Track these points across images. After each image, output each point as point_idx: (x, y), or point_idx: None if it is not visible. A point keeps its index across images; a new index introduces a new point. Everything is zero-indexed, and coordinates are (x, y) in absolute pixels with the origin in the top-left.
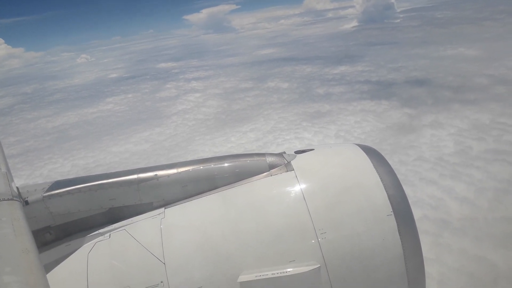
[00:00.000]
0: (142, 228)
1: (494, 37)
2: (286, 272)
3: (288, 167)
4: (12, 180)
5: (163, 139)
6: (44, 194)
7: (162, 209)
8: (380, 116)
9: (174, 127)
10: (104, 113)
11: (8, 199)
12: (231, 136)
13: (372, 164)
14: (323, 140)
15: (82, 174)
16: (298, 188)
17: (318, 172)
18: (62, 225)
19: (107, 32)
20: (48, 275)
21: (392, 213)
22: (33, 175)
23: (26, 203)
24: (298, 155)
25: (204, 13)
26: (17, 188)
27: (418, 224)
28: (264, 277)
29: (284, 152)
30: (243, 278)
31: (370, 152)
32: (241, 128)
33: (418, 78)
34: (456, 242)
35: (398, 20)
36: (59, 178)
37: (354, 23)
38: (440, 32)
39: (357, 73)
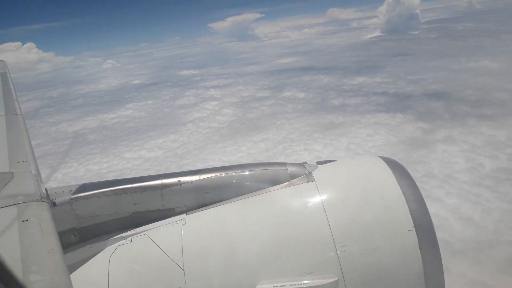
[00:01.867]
0: (164, 233)
1: None
2: (304, 284)
3: (309, 177)
4: (42, 182)
5: (176, 146)
6: (71, 197)
7: (183, 215)
8: (393, 130)
9: (188, 134)
10: (123, 119)
11: (37, 200)
12: (242, 145)
13: (394, 178)
14: (333, 153)
15: (94, 179)
16: (318, 199)
17: (339, 184)
18: (86, 227)
19: (134, 39)
20: (71, 276)
21: (414, 228)
22: (47, 179)
23: (54, 204)
24: (320, 166)
25: (229, 22)
26: (46, 189)
27: None
28: (281, 287)
29: (306, 162)
30: (260, 287)
31: (393, 165)
32: (253, 137)
33: (436, 91)
34: (455, 265)
35: (422, 31)
36: (73, 182)
37: (377, 33)
38: (462, 44)
39: (375, 84)
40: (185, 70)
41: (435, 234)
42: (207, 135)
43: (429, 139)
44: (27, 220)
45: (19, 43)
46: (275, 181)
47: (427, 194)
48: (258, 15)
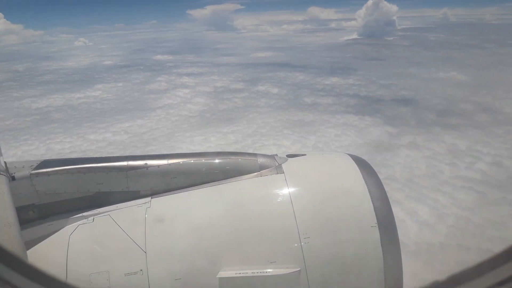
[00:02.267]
0: (127, 215)
1: (481, 64)
2: (266, 272)
3: (278, 169)
4: (1, 155)
5: (143, 131)
6: (31, 172)
7: (148, 199)
8: (360, 132)
9: (156, 120)
10: (91, 100)
11: None
12: (211, 136)
13: (361, 175)
14: (300, 150)
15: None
16: (286, 191)
17: (307, 177)
18: (46, 204)
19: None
20: (29, 252)
21: (377, 224)
22: (5, 155)
23: (13, 178)
24: (290, 159)
25: (208, 10)
26: (5, 162)
27: None
28: (243, 275)
29: (276, 155)
30: (223, 274)
31: (361, 163)
32: (223, 129)
33: (405, 97)
34: (409, 265)
35: (397, 38)
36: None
37: (355, 36)
38: (434, 54)
39: (347, 86)
40: (159, 55)
41: (397, 231)
42: (176, 122)
43: (394, 143)
44: None
45: None
46: (244, 171)
47: (388, 196)
48: (238, 6)
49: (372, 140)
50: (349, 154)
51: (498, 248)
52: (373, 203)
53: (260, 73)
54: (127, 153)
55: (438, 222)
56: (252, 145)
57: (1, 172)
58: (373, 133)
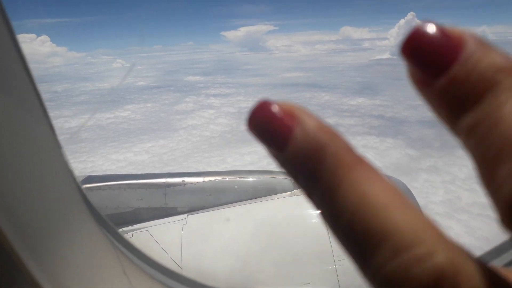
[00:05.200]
0: (164, 231)
1: None
2: None
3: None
4: None
5: (163, 152)
6: None
7: (185, 215)
8: (380, 154)
9: (178, 141)
10: (119, 120)
11: None
12: (228, 157)
13: None
14: None
15: None
16: None
17: None
18: None
19: (149, 40)
20: None
21: None
22: None
23: None
24: None
25: (242, 31)
26: None
27: None
28: None
29: None
30: None
31: (399, 186)
32: (241, 149)
33: (432, 118)
34: None
35: None
36: None
37: (387, 55)
38: None
39: (374, 106)
40: (191, 76)
41: None
42: (197, 143)
43: (413, 166)
44: None
45: (33, 35)
46: (278, 190)
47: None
48: (271, 27)
49: (391, 163)
50: (387, 176)
51: None
52: None
53: (286, 93)
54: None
55: None
56: (267, 166)
57: None
58: (393, 155)
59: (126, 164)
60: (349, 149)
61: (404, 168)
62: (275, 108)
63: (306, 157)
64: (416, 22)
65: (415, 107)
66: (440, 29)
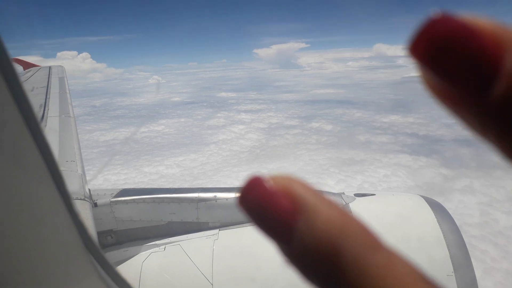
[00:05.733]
0: (196, 246)
1: None
2: None
3: (346, 209)
4: (86, 182)
5: (194, 166)
6: (111, 199)
7: (216, 231)
8: (413, 173)
9: (208, 155)
10: (153, 134)
11: (81, 199)
12: (256, 172)
13: (436, 219)
14: (343, 189)
15: (103, 187)
16: None
17: (377, 219)
18: (123, 230)
19: (184, 57)
20: None
21: (453, 273)
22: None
23: (95, 205)
24: (358, 198)
25: (274, 49)
26: (89, 190)
27: None
28: None
29: (343, 193)
30: None
31: (435, 206)
32: (269, 165)
33: (468, 137)
34: None
35: None
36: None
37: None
38: None
39: (407, 124)
40: (223, 92)
41: (476, 282)
42: (226, 157)
43: (448, 186)
44: None
45: (75, 52)
46: None
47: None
48: (303, 45)
49: (424, 182)
50: (422, 196)
51: None
52: (449, 250)
53: (317, 109)
54: (175, 187)
55: (484, 276)
56: None
57: (86, 199)
58: (426, 175)
59: (158, 177)
60: (366, 240)
61: (437, 188)
62: (270, 188)
63: (315, 258)
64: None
65: (450, 125)
66: (465, 25)
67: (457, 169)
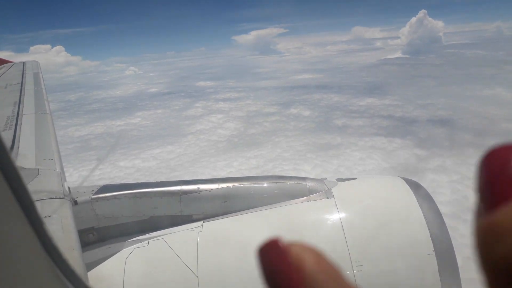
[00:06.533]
0: (180, 239)
1: None
2: None
3: (328, 194)
4: (65, 180)
5: (171, 157)
6: (92, 196)
7: (200, 223)
8: (387, 155)
9: (185, 146)
10: (129, 127)
11: (60, 198)
12: (234, 161)
13: (416, 200)
14: (320, 175)
15: (84, 185)
16: (337, 216)
17: (359, 202)
18: (105, 227)
19: (162, 47)
20: (88, 274)
21: (434, 252)
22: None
23: (75, 203)
24: (340, 183)
25: (252, 35)
26: (69, 188)
27: None
28: None
29: (325, 179)
30: None
31: (416, 187)
32: (247, 153)
33: (442, 117)
34: None
35: (442, 55)
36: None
37: (398, 54)
38: (481, 72)
39: (383, 106)
40: (202, 81)
41: (456, 260)
42: (204, 148)
43: (421, 167)
44: (49, 216)
45: (48, 46)
46: (293, 195)
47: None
48: (282, 30)
49: (398, 163)
50: (402, 178)
51: None
52: (429, 230)
53: (296, 95)
54: (151, 180)
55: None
56: (272, 169)
57: (66, 197)
58: (401, 156)
59: (134, 170)
60: None
61: (411, 169)
62: (285, 256)
63: None
64: (428, 20)
65: (425, 106)
66: None
67: (430, 149)
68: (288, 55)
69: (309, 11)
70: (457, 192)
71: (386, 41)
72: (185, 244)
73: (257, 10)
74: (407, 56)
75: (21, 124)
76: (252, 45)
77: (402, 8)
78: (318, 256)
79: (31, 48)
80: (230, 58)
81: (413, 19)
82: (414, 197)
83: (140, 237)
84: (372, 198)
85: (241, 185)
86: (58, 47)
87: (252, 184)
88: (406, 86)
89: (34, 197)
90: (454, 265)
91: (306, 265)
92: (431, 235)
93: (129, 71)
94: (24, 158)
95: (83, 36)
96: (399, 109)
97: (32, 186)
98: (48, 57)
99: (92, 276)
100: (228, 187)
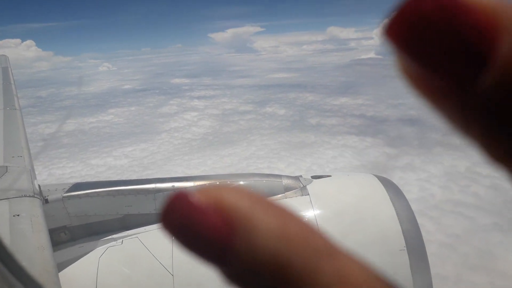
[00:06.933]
0: (155, 237)
1: None
2: None
3: (303, 191)
4: (35, 178)
5: (144, 155)
6: (64, 195)
7: None
8: (358, 153)
9: (159, 144)
10: (101, 124)
11: (30, 196)
12: (208, 159)
13: (388, 197)
14: (293, 173)
15: (53, 183)
16: (311, 213)
17: (333, 199)
18: (77, 226)
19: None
20: (60, 274)
21: (405, 248)
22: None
23: (46, 201)
24: (315, 180)
25: (229, 33)
26: (39, 186)
27: None
28: None
29: (301, 176)
30: None
31: (388, 184)
32: (221, 151)
33: (413, 117)
34: None
35: None
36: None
37: (371, 55)
38: None
39: (356, 106)
40: (177, 79)
41: (426, 255)
42: (178, 146)
43: (390, 165)
44: (18, 215)
45: (18, 40)
46: (269, 193)
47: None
48: (258, 29)
49: (368, 161)
50: (375, 175)
51: (479, 278)
52: (401, 226)
53: (271, 94)
54: (124, 178)
55: None
56: (246, 167)
57: (36, 195)
58: (371, 154)
59: (105, 169)
60: (315, 247)
61: (381, 167)
62: (197, 204)
63: (258, 276)
64: None
65: (396, 106)
66: None
67: (399, 147)
68: (264, 53)
69: (286, 10)
70: (425, 190)
71: (360, 41)
72: (160, 243)
73: (234, 8)
74: (380, 56)
75: None
76: (229, 43)
77: (376, 9)
78: (238, 191)
79: (0, 42)
80: (206, 55)
81: (386, 19)
82: (386, 194)
83: (114, 236)
84: (346, 195)
85: (217, 183)
86: (29, 42)
87: (227, 182)
88: (379, 85)
89: (2, 195)
90: (425, 260)
91: (228, 205)
92: (403, 231)
93: (103, 67)
94: None
95: (56, 30)
96: (371, 108)
97: (0, 184)
98: (18, 51)
99: (64, 276)
100: (204, 185)
